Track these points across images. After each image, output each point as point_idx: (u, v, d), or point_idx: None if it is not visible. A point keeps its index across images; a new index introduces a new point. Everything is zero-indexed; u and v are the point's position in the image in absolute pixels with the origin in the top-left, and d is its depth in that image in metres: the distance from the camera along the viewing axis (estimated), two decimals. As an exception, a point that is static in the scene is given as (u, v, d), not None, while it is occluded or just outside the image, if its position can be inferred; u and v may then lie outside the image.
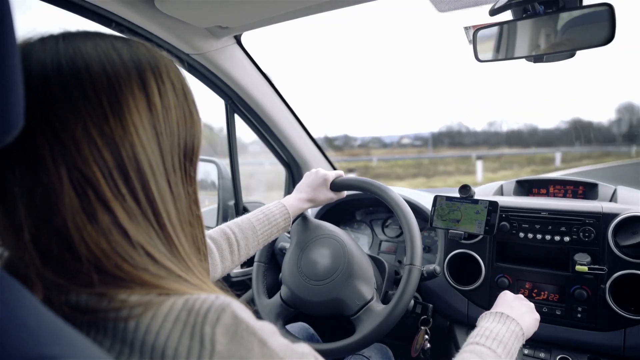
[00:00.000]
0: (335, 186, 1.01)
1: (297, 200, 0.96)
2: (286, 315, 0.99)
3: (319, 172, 1.01)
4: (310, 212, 1.35)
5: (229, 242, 0.83)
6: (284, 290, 0.99)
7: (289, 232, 1.04)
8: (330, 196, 1.00)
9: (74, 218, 0.33)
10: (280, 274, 1.04)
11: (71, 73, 0.34)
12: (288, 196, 0.97)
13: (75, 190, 0.33)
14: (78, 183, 0.33)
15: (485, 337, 0.64)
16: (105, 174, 0.34)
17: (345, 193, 1.06)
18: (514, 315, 0.69)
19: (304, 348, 0.38)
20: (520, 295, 0.77)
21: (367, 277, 0.94)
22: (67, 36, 0.36)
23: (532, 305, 0.75)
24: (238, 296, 1.01)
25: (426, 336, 0.99)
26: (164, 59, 0.40)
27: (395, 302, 0.85)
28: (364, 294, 0.90)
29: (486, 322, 0.69)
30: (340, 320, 0.97)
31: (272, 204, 0.93)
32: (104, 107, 0.34)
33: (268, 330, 0.35)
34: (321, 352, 0.85)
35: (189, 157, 0.41)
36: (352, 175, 1.03)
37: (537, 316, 0.73)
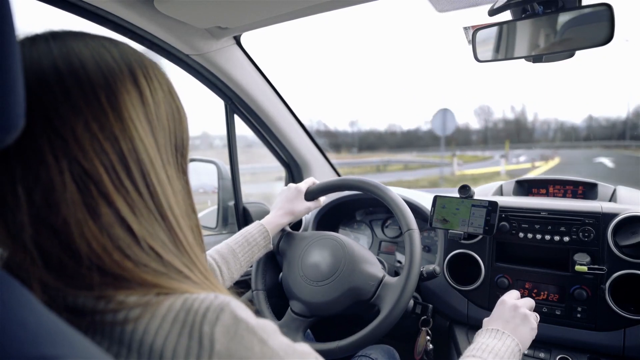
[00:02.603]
0: (310, 195, 1.03)
1: (275, 216, 0.98)
2: (306, 327, 0.96)
3: (290, 186, 1.03)
4: (310, 216, 1.35)
5: (211, 269, 0.83)
6: (294, 304, 0.97)
7: (277, 251, 1.04)
8: (306, 205, 1.02)
9: (75, 214, 0.33)
10: (281, 279, 1.03)
11: (68, 72, 0.34)
12: (266, 216, 0.99)
13: (77, 185, 0.33)
14: (80, 178, 0.33)
15: (482, 351, 0.66)
16: (107, 167, 0.34)
17: (322, 200, 1.07)
18: (509, 330, 0.70)
19: (305, 347, 0.38)
20: (517, 303, 0.75)
21: (372, 260, 0.96)
22: (55, 35, 0.37)
23: (527, 313, 0.73)
24: (241, 294, 1.02)
25: (428, 337, 0.99)
26: (148, 58, 0.42)
27: (408, 269, 0.86)
28: (374, 274, 0.91)
29: (482, 338, 0.70)
30: (335, 319, 0.97)
31: (250, 225, 0.95)
32: (103, 103, 0.35)
33: (269, 329, 0.35)
34: (356, 343, 0.85)
35: (180, 151, 0.43)
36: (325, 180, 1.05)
37: (533, 325, 0.73)
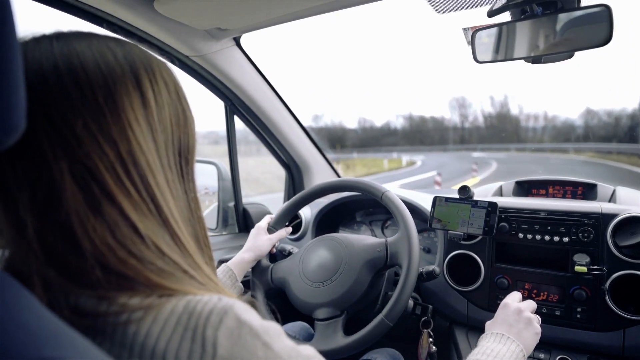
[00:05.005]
0: (271, 230, 1.09)
1: (239, 255, 1.03)
2: (342, 325, 0.93)
3: (255, 226, 1.10)
4: (310, 217, 1.35)
5: None
6: (319, 313, 0.94)
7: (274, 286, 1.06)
8: (267, 238, 1.06)
9: (77, 212, 0.32)
10: (290, 298, 1.01)
11: (67, 72, 0.34)
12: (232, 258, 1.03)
13: (78, 183, 0.33)
14: (81, 176, 0.33)
15: (486, 355, 0.66)
16: (108, 166, 0.34)
17: (284, 232, 1.10)
18: (513, 335, 0.70)
19: (309, 351, 0.38)
20: (520, 307, 0.75)
21: (366, 236, 1.01)
22: (60, 36, 0.37)
23: (531, 317, 0.73)
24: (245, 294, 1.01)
25: (430, 339, 0.99)
26: (156, 59, 0.41)
27: (402, 219, 0.92)
28: (377, 242, 0.96)
29: (487, 342, 0.70)
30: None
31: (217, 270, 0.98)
32: (101, 104, 0.35)
33: (273, 332, 0.34)
34: (398, 306, 0.85)
35: (184, 156, 0.42)
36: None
37: (537, 329, 0.72)
